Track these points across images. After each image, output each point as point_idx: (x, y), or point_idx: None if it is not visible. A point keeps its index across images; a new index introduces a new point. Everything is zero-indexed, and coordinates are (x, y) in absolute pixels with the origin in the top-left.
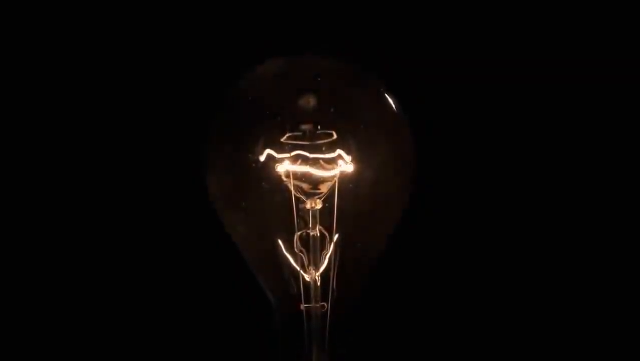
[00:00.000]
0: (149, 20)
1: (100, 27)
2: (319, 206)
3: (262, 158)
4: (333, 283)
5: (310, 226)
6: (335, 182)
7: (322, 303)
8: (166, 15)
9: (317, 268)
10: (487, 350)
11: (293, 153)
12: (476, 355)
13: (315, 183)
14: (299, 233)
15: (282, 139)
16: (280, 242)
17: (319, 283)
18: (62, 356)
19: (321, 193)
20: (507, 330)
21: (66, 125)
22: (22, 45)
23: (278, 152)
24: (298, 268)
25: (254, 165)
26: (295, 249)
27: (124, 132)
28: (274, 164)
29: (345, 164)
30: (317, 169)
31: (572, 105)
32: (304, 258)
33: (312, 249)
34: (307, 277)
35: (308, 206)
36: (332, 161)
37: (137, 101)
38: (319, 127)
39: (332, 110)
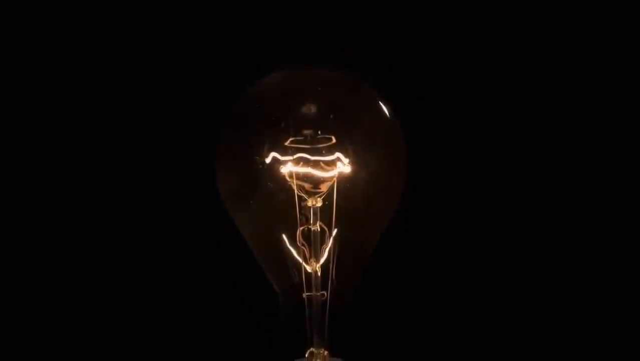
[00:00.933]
0: (164, 31)
1: (117, 36)
2: (319, 204)
3: (267, 161)
4: (332, 273)
5: (311, 222)
6: (334, 182)
7: (322, 292)
8: (180, 27)
9: (317, 260)
10: (478, 338)
11: (296, 156)
12: (468, 343)
13: (316, 182)
14: (301, 228)
15: (285, 143)
16: (284, 236)
17: (319, 274)
18: (67, 349)
19: (321, 192)
20: (499, 321)
21: (83, 129)
22: (42, 51)
23: (282, 155)
24: (300, 260)
25: (260, 167)
26: (298, 243)
27: (145, 139)
28: (279, 166)
29: (343, 166)
30: (318, 170)
31: (564, 110)
32: (305, 251)
33: (313, 243)
34: (308, 268)
35: (309, 203)
36: (331, 163)
37: (156, 110)
38: (319, 132)
39: (331, 117)
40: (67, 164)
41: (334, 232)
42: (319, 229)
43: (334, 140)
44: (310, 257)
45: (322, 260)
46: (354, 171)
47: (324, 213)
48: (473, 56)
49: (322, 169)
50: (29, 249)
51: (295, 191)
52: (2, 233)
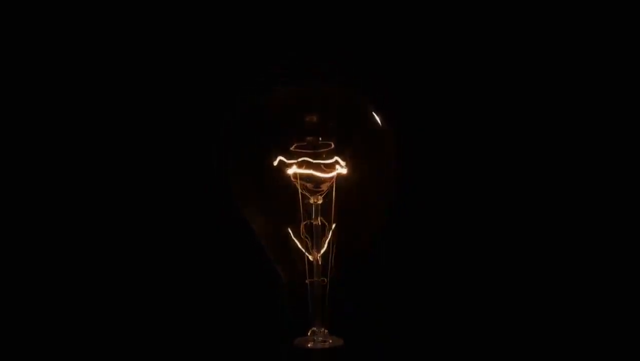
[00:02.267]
0: (174, 39)
1: (125, 43)
2: (320, 201)
3: (275, 163)
4: (331, 262)
5: (313, 217)
6: (333, 182)
7: (323, 278)
8: (194, 39)
9: (318, 251)
10: (463, 315)
11: (300, 159)
12: (454, 321)
13: (317, 183)
14: (304, 223)
15: (291, 149)
16: (289, 230)
17: (320, 262)
18: (68, 344)
19: (322, 191)
20: (481, 298)
21: (107, 134)
22: (48, 53)
23: (288, 158)
24: (303, 250)
25: (269, 169)
26: (301, 236)
27: (167, 144)
28: (285, 168)
29: (341, 168)
30: (319, 172)
31: (552, 120)
32: (308, 242)
33: (314, 236)
34: (310, 257)
35: (311, 201)
36: (330, 166)
37: (176, 119)
38: (320, 139)
39: (330, 125)
40: (75, 167)
41: (333, 226)
42: (319, 224)
43: (333, 146)
44: (312, 248)
45: (322, 250)
46: (350, 173)
47: (325, 209)
48: (458, 66)
49: (323, 171)
50: (31, 250)
51: (299, 190)
52: (6, 233)
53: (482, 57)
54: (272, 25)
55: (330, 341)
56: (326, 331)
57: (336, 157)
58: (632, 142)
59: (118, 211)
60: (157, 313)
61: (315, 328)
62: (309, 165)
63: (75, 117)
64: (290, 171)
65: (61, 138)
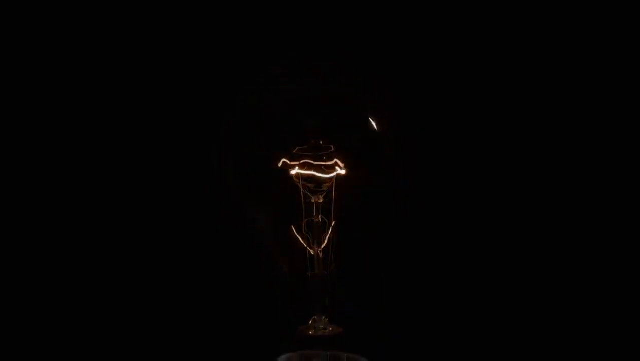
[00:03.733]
0: (178, 41)
1: (128, 44)
2: (320, 200)
3: (279, 165)
4: (331, 256)
5: (314, 214)
6: (333, 182)
7: (323, 271)
8: (202, 44)
9: (319, 245)
10: (453, 303)
11: (302, 161)
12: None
13: (318, 183)
14: (306, 219)
15: (294, 151)
16: (292, 226)
17: (320, 256)
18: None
19: (322, 190)
20: (469, 286)
21: (114, 134)
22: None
23: (291, 160)
24: (305, 245)
25: (273, 170)
26: (303, 232)
27: (167, 144)
28: (288, 169)
29: (340, 170)
30: (320, 173)
31: (551, 122)
32: (309, 238)
33: (315, 232)
34: (312, 252)
35: (313, 200)
36: (330, 167)
37: (183, 123)
38: (320, 142)
39: (330, 129)
40: (75, 167)
41: (333, 223)
42: (320, 220)
43: (332, 149)
44: (313, 243)
45: (322, 245)
46: (348, 174)
47: (325, 207)
48: (458, 67)
49: (323, 172)
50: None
51: (301, 190)
52: (5, 234)
53: (482, 58)
54: (272, 25)
55: (330, 329)
56: (326, 319)
57: (335, 160)
58: (632, 142)
59: (119, 211)
60: (161, 309)
61: (316, 317)
62: (310, 166)
63: (75, 117)
64: (293, 172)
65: (61, 138)
